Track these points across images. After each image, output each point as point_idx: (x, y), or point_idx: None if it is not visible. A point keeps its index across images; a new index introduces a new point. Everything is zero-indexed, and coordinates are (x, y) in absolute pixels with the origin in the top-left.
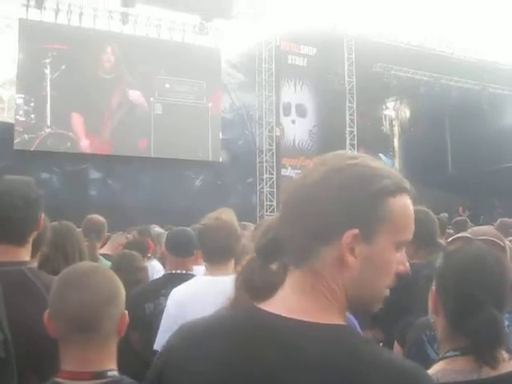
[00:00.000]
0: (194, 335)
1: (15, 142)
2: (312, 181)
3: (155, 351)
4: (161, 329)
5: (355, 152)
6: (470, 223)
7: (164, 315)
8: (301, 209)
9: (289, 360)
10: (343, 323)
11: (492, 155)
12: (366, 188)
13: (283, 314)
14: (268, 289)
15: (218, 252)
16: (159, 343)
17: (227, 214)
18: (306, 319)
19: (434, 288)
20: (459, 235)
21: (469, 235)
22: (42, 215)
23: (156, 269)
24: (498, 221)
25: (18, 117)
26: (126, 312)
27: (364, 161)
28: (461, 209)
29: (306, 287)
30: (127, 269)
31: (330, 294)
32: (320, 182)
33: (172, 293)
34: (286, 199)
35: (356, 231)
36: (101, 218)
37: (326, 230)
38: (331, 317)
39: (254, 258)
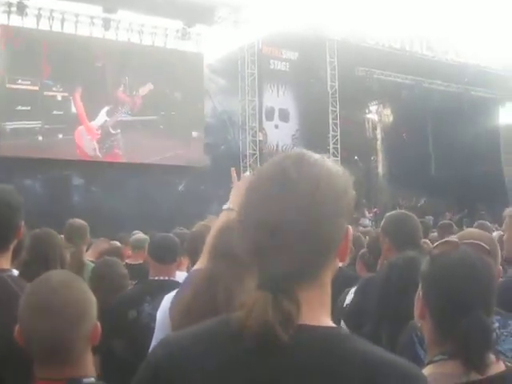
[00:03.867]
0: (183, 349)
1: None
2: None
3: None
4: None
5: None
6: (455, 227)
7: None
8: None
9: (291, 368)
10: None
11: (474, 158)
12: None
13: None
14: None
15: None
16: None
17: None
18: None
19: (420, 293)
20: (446, 239)
21: (455, 239)
22: (23, 223)
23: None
24: (476, 223)
25: (1, 123)
26: (98, 323)
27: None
28: (452, 212)
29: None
30: (110, 276)
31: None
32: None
33: None
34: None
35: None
36: (82, 222)
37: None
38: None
39: None
